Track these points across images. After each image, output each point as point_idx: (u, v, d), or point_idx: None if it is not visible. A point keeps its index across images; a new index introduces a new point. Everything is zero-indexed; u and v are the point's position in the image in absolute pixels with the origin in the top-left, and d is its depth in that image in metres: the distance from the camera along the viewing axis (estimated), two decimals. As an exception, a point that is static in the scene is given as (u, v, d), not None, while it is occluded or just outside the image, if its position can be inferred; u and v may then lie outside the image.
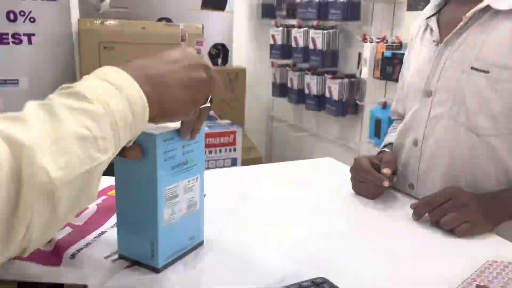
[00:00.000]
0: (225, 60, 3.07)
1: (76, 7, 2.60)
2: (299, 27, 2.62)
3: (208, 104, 0.58)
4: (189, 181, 0.64)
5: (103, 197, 0.81)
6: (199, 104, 0.56)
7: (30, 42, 2.52)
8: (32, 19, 2.50)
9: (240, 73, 2.97)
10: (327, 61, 2.44)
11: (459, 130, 0.83)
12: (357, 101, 2.35)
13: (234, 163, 2.49)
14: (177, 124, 0.60)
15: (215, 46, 3.03)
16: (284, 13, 2.77)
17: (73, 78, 2.66)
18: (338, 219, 0.84)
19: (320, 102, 2.53)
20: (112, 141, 0.44)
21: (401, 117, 1.11)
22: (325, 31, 2.40)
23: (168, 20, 2.84)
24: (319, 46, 2.44)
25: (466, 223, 0.76)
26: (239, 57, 3.18)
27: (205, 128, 0.69)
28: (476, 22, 0.82)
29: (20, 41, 2.50)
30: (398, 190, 0.97)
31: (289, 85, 2.80)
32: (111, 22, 2.52)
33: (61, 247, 0.64)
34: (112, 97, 0.45)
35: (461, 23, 0.83)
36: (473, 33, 0.82)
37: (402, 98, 1.05)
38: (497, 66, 0.78)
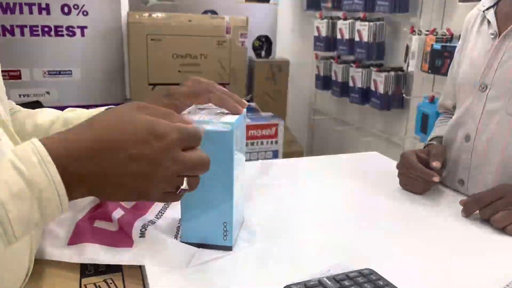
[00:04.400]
0: (269, 52, 3.08)
1: (126, 0, 2.69)
2: (345, 19, 2.58)
3: (185, 186, 0.47)
4: (242, 165, 0.68)
5: None
6: (161, 196, 0.47)
7: (83, 34, 2.64)
8: (85, 13, 2.61)
9: (283, 65, 2.97)
10: (373, 53, 2.39)
11: None
12: (403, 95, 2.30)
13: (275, 155, 2.50)
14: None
15: (259, 38, 3.05)
16: (329, 4, 2.73)
17: (122, 69, 2.76)
18: (385, 213, 0.83)
19: (365, 95, 2.49)
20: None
21: (448, 111, 1.08)
22: (371, 23, 2.35)
23: (214, 12, 2.88)
24: (365, 38, 2.39)
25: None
26: (282, 49, 3.18)
27: (246, 120, 0.71)
28: None
29: (74, 34, 2.62)
30: (447, 186, 0.95)
31: (333, 77, 2.78)
32: (158, 14, 2.59)
33: (125, 227, 0.67)
34: (15, 199, 0.39)
35: None
36: None
37: (451, 92, 1.02)
38: None
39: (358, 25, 2.43)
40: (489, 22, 0.88)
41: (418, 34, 2.04)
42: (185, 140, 0.45)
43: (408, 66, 2.11)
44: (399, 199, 0.89)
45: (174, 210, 0.74)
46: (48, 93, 2.63)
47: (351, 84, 2.57)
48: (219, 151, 0.60)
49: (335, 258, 0.64)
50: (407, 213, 0.84)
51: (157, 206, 0.76)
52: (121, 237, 0.66)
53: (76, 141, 0.42)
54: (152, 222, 0.70)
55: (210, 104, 0.66)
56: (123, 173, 0.42)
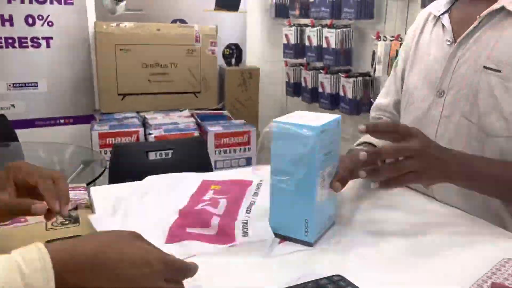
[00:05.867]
0: (239, 59, 3.10)
1: (93, 10, 2.65)
2: (313, 26, 2.62)
3: None
4: (331, 167, 0.73)
5: (211, 192, 0.89)
6: None
7: (48, 45, 2.58)
8: (50, 23, 2.56)
9: (253, 73, 2.99)
10: (341, 59, 2.44)
11: (472, 129, 0.83)
12: (371, 100, 2.35)
13: (248, 162, 2.51)
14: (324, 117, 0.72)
15: (229, 46, 3.06)
16: (297, 12, 2.77)
17: (90, 80, 2.71)
18: (353, 217, 0.85)
19: (334, 100, 2.53)
20: None
21: (380, 115, 1.08)
22: (338, 30, 2.40)
23: (182, 21, 2.87)
24: (333, 45, 2.44)
25: (412, 173, 0.69)
26: (252, 57, 3.20)
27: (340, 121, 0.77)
28: (489, 22, 0.82)
29: (39, 45, 2.56)
30: (415, 189, 0.97)
31: (303, 84, 2.81)
32: (126, 24, 2.57)
33: (226, 229, 0.72)
34: None
35: (475, 23, 0.83)
36: (486, 33, 0.82)
37: (394, 89, 1.04)
38: (509, 64, 0.78)
39: (326, 32, 2.48)
40: (443, 27, 0.91)
41: (384, 40, 2.10)
42: (169, 272, 0.50)
43: (375, 71, 2.16)
44: (366, 204, 0.91)
45: (262, 203, 0.79)
46: (13, 106, 2.56)
47: (320, 90, 2.61)
48: (303, 153, 0.66)
49: (306, 266, 0.65)
50: (375, 216, 0.85)
51: (245, 203, 0.82)
52: (223, 237, 0.71)
53: (78, 255, 0.46)
54: (245, 219, 0.75)
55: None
56: None
